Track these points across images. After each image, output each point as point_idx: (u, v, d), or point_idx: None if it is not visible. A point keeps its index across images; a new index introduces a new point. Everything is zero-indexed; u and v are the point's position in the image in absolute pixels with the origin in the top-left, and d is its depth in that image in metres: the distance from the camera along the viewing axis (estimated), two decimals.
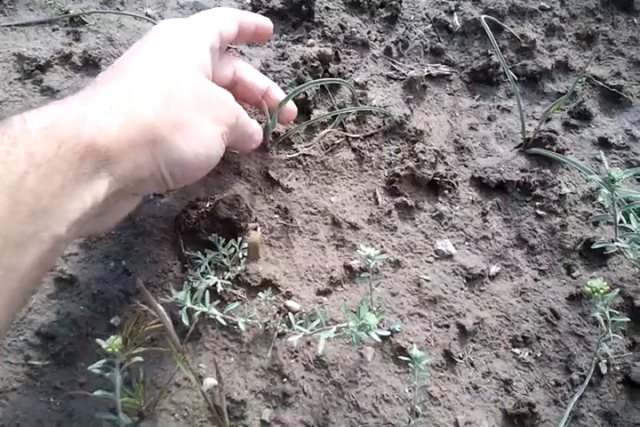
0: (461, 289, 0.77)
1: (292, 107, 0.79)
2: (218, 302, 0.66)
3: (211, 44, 0.64)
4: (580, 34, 1.02)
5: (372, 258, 0.65)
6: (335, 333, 0.61)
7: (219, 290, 0.69)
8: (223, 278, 0.70)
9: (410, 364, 0.63)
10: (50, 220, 0.46)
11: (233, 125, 0.64)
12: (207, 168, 0.64)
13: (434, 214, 0.82)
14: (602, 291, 0.64)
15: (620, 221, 0.73)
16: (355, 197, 0.82)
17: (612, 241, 0.76)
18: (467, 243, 0.81)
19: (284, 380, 0.67)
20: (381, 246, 0.78)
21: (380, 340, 0.58)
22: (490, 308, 0.77)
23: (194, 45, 0.63)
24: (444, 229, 0.81)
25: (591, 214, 0.85)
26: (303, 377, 0.68)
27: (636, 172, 0.73)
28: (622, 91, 0.96)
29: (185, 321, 0.61)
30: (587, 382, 0.71)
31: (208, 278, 0.69)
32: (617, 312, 0.67)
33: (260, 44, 0.92)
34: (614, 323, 0.67)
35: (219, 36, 0.66)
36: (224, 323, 0.65)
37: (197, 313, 0.63)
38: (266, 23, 0.74)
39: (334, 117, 0.86)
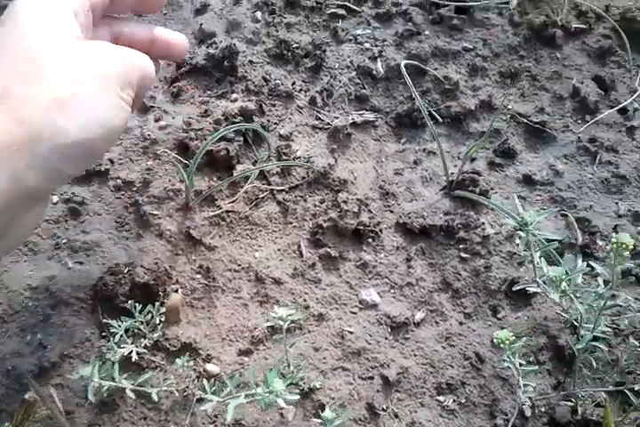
0: (386, 339, 0.78)
1: (177, 36, 0.67)
2: (134, 369, 0.67)
3: (74, 9, 0.54)
4: (504, 72, 1.04)
5: (284, 319, 0.65)
6: (245, 398, 0.62)
7: (134, 359, 0.69)
8: (139, 346, 0.71)
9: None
10: None
11: (129, 74, 0.54)
12: (112, 139, 0.55)
13: (358, 264, 0.83)
14: (508, 342, 0.64)
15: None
16: (279, 250, 0.83)
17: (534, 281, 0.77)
18: (391, 290, 0.82)
19: None
20: (304, 300, 0.79)
21: (285, 405, 0.59)
22: (415, 355, 0.77)
23: (54, 14, 0.53)
24: (369, 278, 0.82)
25: (515, 253, 0.86)
26: None
27: (549, 213, 0.75)
28: (546, 126, 0.98)
29: (91, 398, 0.62)
30: None
31: (123, 348, 0.69)
32: (524, 362, 0.68)
33: (183, 98, 0.93)
34: (528, 371, 0.68)
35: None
36: (133, 396, 0.65)
37: (105, 387, 0.63)
38: None
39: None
